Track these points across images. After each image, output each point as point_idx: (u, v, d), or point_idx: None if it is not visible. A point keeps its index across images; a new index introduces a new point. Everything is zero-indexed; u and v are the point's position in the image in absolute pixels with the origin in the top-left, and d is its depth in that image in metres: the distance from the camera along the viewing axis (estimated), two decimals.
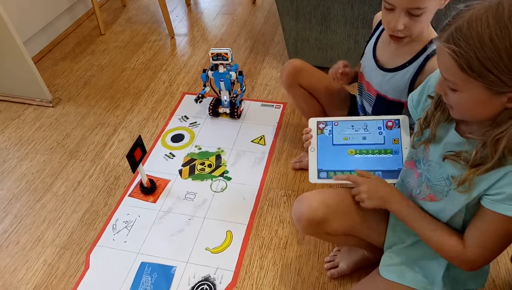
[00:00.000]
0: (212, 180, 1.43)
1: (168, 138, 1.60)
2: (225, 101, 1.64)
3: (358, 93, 1.24)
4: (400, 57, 1.04)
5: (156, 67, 2.00)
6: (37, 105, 1.82)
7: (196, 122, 1.66)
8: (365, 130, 1.00)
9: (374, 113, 1.14)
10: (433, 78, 0.84)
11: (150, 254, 1.22)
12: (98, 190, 1.44)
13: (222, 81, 1.58)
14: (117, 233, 1.29)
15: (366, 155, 0.98)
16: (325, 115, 1.34)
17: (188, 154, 1.53)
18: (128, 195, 1.40)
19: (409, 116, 0.96)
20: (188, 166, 1.48)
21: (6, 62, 1.72)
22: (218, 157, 1.51)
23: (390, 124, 0.99)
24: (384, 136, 0.99)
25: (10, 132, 1.71)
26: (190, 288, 1.13)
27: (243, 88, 1.65)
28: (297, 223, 0.93)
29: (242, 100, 1.69)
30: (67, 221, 1.35)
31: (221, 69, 1.57)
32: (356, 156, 0.98)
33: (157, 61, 2.05)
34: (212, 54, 1.54)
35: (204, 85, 1.63)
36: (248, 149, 1.53)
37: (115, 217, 1.34)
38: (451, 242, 0.79)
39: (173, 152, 1.54)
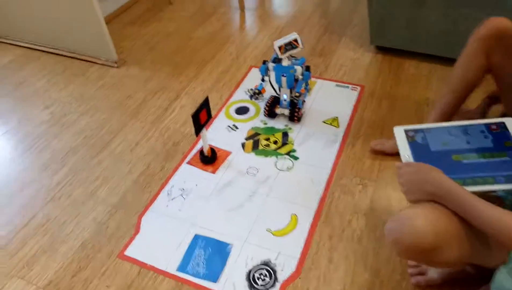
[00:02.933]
0: (277, 157, 1.29)
1: (232, 110, 1.49)
2: (285, 100, 1.38)
3: None
4: None
5: (223, 39, 1.90)
6: (102, 64, 1.78)
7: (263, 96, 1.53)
8: (466, 134, 0.86)
9: None
10: None
11: (206, 227, 1.11)
12: (156, 153, 1.35)
13: (285, 76, 1.31)
14: (172, 200, 1.19)
15: (477, 160, 0.82)
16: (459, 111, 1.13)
17: (252, 127, 1.41)
18: (186, 163, 1.30)
19: None
20: (252, 140, 1.36)
21: (78, 18, 1.68)
22: (285, 134, 1.37)
23: (494, 127, 0.86)
24: (491, 139, 0.85)
25: (74, 88, 1.67)
26: (248, 270, 1.01)
27: (307, 87, 1.40)
28: (394, 246, 0.75)
29: (304, 101, 1.44)
30: (121, 180, 1.27)
31: (285, 62, 1.30)
32: (464, 161, 0.82)
33: (224, 33, 1.95)
34: (280, 47, 1.26)
35: (262, 80, 1.37)
36: (319, 129, 1.38)
37: (170, 183, 1.24)
38: None
39: (237, 124, 1.43)
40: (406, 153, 0.85)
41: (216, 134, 1.39)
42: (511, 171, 0.79)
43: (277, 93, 1.41)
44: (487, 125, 0.87)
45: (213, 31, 1.96)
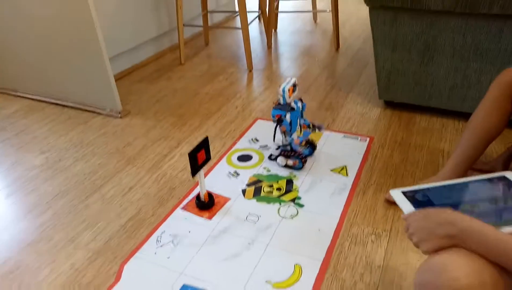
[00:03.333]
0: (280, 204, 1.18)
1: (234, 157, 1.41)
2: (300, 144, 1.32)
3: None
4: None
5: (230, 94, 1.90)
6: (106, 115, 1.76)
7: (267, 145, 1.47)
8: (469, 189, 0.81)
9: None
10: None
11: (196, 277, 0.97)
12: (149, 198, 1.25)
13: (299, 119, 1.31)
14: (161, 246, 1.06)
15: (491, 206, 0.75)
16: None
17: (254, 174, 1.32)
18: (181, 208, 1.19)
19: None
20: (254, 187, 1.26)
21: (88, 72, 1.71)
22: (290, 181, 1.27)
23: (495, 181, 0.80)
24: (499, 188, 0.78)
25: (73, 135, 1.63)
26: None
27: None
28: None
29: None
30: (107, 225, 1.15)
31: (293, 105, 1.27)
32: (476, 210, 0.74)
33: (232, 89, 1.95)
34: (289, 90, 1.24)
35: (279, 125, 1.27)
36: (326, 177, 1.28)
37: (161, 229, 1.12)
38: None
39: (238, 170, 1.34)
40: (409, 209, 0.76)
41: (215, 181, 1.29)
42: None
43: (286, 142, 1.32)
44: (491, 180, 0.80)
45: (220, 88, 1.97)
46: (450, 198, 0.78)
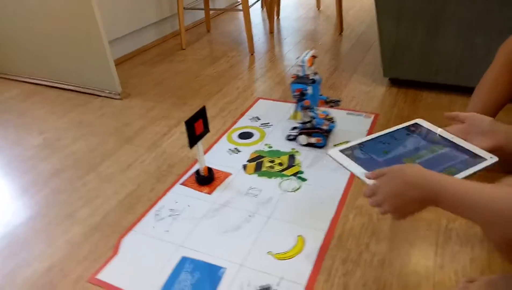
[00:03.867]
0: (282, 178, 1.14)
1: (235, 135, 1.38)
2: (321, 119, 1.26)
3: None
4: None
5: (231, 76, 1.86)
6: (105, 96, 1.73)
7: (268, 123, 1.43)
8: (396, 139, 0.83)
9: None
10: None
11: (195, 249, 0.93)
12: (148, 175, 1.22)
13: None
14: (160, 220, 1.03)
15: (427, 157, 0.77)
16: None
17: (256, 151, 1.28)
18: (180, 183, 1.16)
19: None
20: (255, 162, 1.22)
21: (87, 53, 1.68)
22: (292, 157, 1.23)
23: (413, 128, 0.87)
24: (420, 138, 0.83)
25: (73, 116, 1.60)
26: None
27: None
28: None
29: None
30: (105, 201, 1.12)
31: (313, 76, 1.19)
32: (418, 161, 0.76)
33: (233, 71, 1.91)
34: (309, 59, 1.17)
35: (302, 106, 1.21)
36: None
37: (160, 204, 1.09)
38: None
39: (239, 147, 1.30)
40: (359, 170, 0.74)
41: (216, 157, 1.26)
42: (460, 158, 0.75)
43: (310, 119, 1.23)
44: (407, 127, 0.86)
45: (222, 70, 1.93)
46: (387, 153, 0.79)
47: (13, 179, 1.25)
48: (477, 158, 0.74)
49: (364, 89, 1.64)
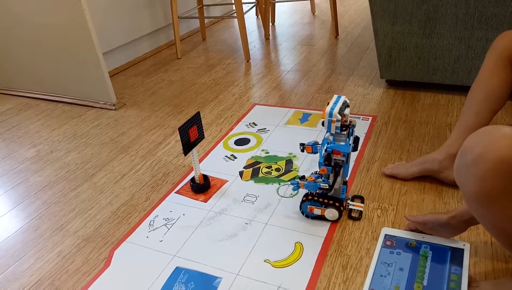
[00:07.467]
0: (279, 184, 1.11)
1: (231, 141, 1.35)
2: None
3: None
4: None
5: (227, 83, 1.84)
6: (100, 107, 1.71)
7: (265, 128, 1.41)
8: (390, 266, 0.81)
9: None
10: None
11: (190, 258, 0.90)
12: (142, 184, 1.19)
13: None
14: (154, 230, 1.00)
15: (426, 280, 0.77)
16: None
17: (252, 156, 1.25)
18: (175, 192, 1.13)
19: None
20: (251, 168, 1.19)
21: (81, 65, 1.66)
22: (289, 162, 1.21)
23: (388, 243, 0.86)
24: (402, 251, 0.84)
25: (67, 128, 1.58)
26: None
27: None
28: (475, 165, 0.57)
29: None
30: (98, 212, 1.09)
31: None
32: (424, 284, 0.76)
33: (229, 78, 1.90)
34: (343, 118, 0.85)
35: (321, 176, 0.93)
36: None
37: (154, 213, 1.06)
38: None
39: (236, 154, 1.28)
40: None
41: (211, 165, 1.23)
42: (447, 260, 0.79)
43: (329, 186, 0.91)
44: (383, 245, 0.85)
45: (217, 78, 1.92)
46: (399, 285, 0.77)
47: (3, 193, 1.22)
48: (456, 251, 0.79)
49: (361, 92, 1.61)
